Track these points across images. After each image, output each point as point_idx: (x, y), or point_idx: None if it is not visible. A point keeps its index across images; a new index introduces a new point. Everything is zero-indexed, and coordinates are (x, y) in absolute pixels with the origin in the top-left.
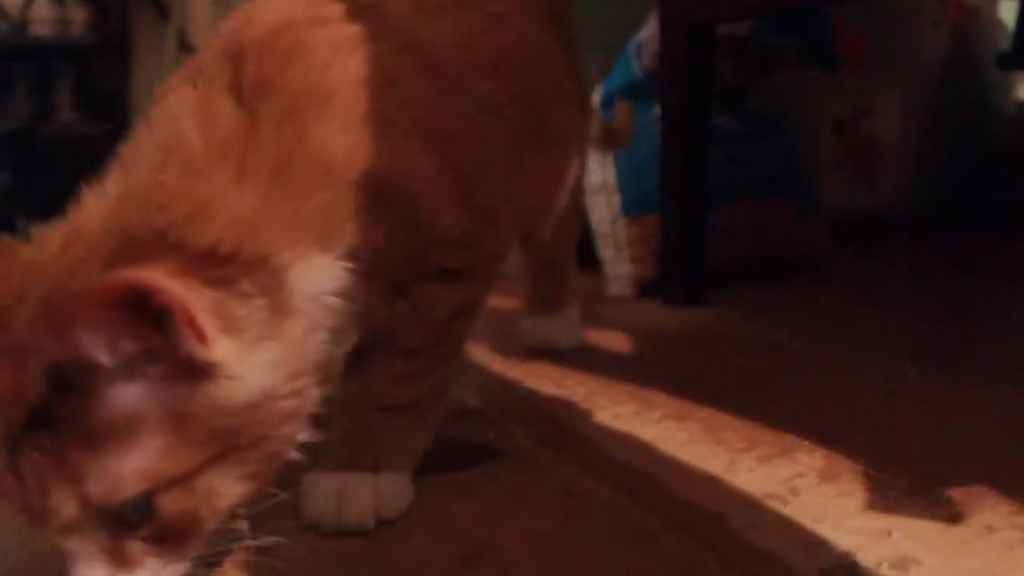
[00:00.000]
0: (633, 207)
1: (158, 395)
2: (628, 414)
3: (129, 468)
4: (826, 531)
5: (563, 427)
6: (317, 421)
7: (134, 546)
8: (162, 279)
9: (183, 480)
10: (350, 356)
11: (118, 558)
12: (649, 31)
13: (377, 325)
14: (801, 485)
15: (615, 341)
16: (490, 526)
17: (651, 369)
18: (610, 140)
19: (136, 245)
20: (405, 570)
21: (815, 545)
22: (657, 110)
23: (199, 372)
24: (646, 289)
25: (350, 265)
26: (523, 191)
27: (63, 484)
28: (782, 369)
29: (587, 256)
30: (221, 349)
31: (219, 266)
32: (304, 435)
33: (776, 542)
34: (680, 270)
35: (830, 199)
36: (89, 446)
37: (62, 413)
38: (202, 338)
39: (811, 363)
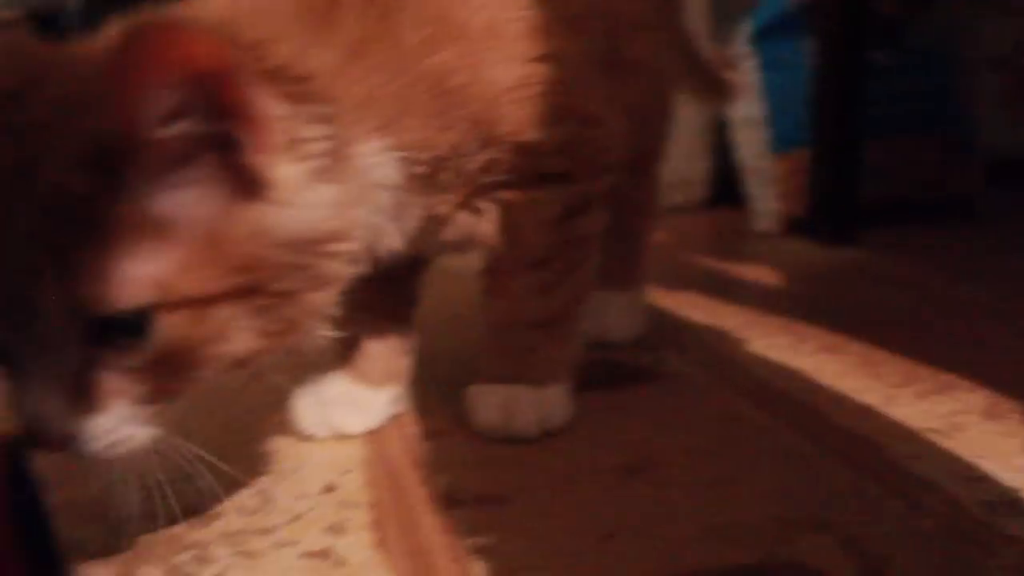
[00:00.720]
0: (782, 141)
1: (198, 200)
2: (782, 345)
3: (140, 273)
4: (990, 466)
5: (718, 354)
6: (336, 323)
7: (108, 381)
8: (242, 67)
9: (196, 304)
10: (484, 275)
11: (82, 392)
12: None
13: (476, 233)
14: (962, 422)
15: (764, 276)
16: (651, 442)
17: (802, 304)
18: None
19: (204, 35)
20: (572, 475)
21: (978, 479)
22: (809, 44)
23: (250, 187)
24: (793, 226)
25: (409, 166)
26: None
27: (50, 280)
28: (937, 310)
29: (730, 193)
30: (281, 169)
31: (293, 82)
32: (326, 327)
33: (938, 473)
34: (830, 207)
35: (989, 139)
36: (100, 238)
37: (76, 195)
38: (265, 148)
39: (967, 305)
